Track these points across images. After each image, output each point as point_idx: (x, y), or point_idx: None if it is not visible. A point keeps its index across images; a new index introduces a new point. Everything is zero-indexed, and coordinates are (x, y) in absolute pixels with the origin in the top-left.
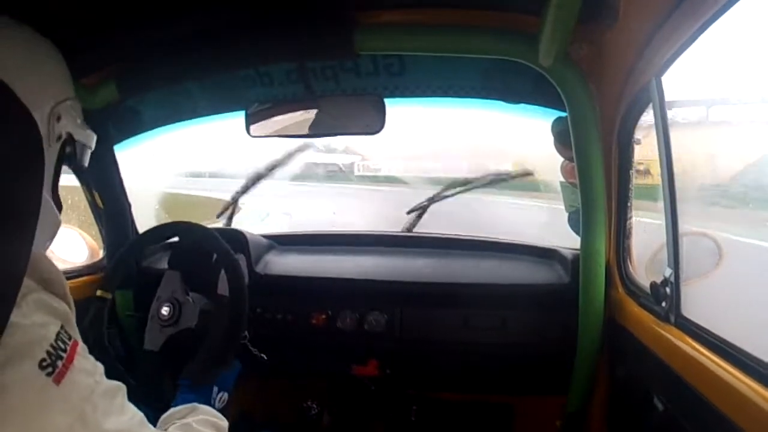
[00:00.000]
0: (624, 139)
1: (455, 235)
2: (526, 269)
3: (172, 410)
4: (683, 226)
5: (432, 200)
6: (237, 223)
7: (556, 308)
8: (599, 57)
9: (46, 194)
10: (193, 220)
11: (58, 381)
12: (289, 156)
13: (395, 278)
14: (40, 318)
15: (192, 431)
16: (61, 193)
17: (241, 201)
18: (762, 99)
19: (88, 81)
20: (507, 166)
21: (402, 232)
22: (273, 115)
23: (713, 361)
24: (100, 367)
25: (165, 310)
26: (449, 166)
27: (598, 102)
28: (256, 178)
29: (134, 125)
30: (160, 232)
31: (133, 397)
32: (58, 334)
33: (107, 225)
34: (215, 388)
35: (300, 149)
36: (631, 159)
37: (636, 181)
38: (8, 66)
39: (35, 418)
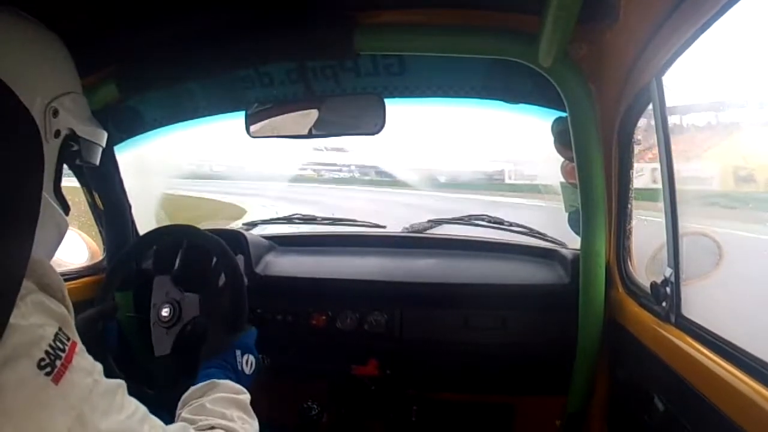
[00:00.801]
0: (624, 139)
1: (455, 235)
2: (526, 269)
3: (191, 389)
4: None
5: (450, 221)
6: None
7: (557, 308)
8: (599, 57)
9: (47, 194)
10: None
11: (56, 381)
12: None
13: (395, 278)
14: (38, 319)
15: (204, 412)
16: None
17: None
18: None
19: (88, 81)
20: None
21: (402, 232)
22: (273, 116)
23: (713, 360)
24: (98, 366)
25: (165, 312)
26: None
27: (598, 102)
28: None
29: (134, 125)
30: (159, 234)
31: (156, 406)
32: (56, 334)
33: (107, 226)
34: (237, 352)
35: None
36: (631, 159)
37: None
38: (2, 59)
39: (34, 418)
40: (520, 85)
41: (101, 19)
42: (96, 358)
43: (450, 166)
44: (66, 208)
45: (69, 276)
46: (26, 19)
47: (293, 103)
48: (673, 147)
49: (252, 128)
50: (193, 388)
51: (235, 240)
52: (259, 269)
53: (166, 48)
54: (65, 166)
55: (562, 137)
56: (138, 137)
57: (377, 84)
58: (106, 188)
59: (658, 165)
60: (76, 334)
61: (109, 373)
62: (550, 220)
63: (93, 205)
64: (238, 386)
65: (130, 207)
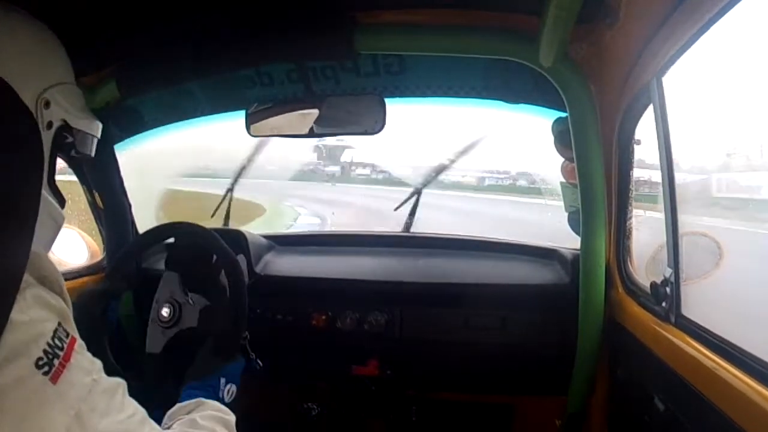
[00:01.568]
0: (624, 140)
1: (455, 235)
2: (526, 269)
3: (178, 405)
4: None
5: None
6: None
7: (556, 308)
8: (599, 57)
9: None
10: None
11: (55, 380)
12: None
13: (395, 278)
14: (37, 314)
15: (197, 426)
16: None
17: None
18: None
19: (89, 80)
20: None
21: (402, 232)
22: (273, 115)
23: (713, 360)
24: (98, 364)
25: (165, 312)
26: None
27: (599, 102)
28: None
29: (135, 125)
30: (159, 232)
31: (138, 400)
32: (55, 331)
33: (107, 225)
34: (222, 380)
35: None
36: (632, 159)
37: None
38: None
39: (32, 418)
40: (521, 85)
41: (102, 18)
42: (95, 337)
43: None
44: (61, 201)
45: (69, 275)
46: (14, 11)
47: (293, 102)
48: None
49: (252, 128)
50: (179, 404)
51: (235, 240)
52: (259, 269)
53: (166, 48)
54: (65, 165)
55: (562, 137)
56: (138, 136)
57: (377, 84)
58: (106, 187)
59: None
60: (75, 329)
61: (102, 355)
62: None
63: (93, 205)
64: (225, 408)
65: (130, 206)
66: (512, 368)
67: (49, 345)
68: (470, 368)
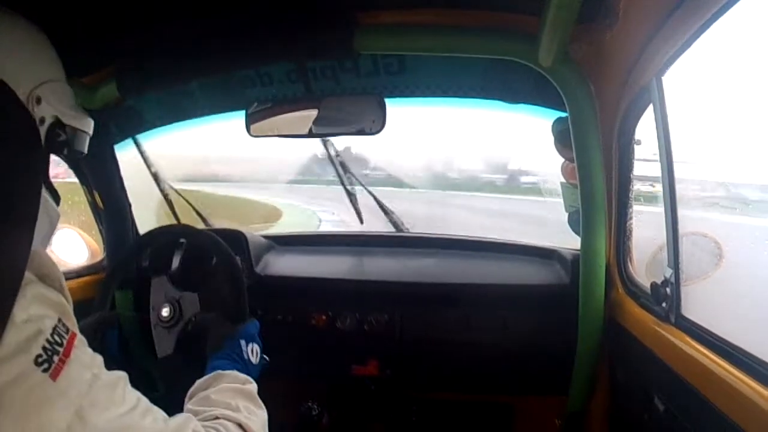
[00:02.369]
0: (624, 140)
1: (455, 235)
2: (526, 270)
3: (197, 382)
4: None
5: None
6: None
7: (557, 308)
8: (599, 57)
9: None
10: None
11: (54, 376)
12: None
13: (395, 279)
14: (37, 310)
15: (209, 403)
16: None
17: None
18: None
19: (89, 80)
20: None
21: (402, 232)
22: (273, 115)
23: (713, 361)
24: (98, 359)
25: (165, 311)
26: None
27: (599, 102)
28: None
29: (135, 125)
30: (160, 234)
31: (163, 408)
32: (55, 327)
33: (107, 225)
34: (242, 342)
35: None
36: (632, 159)
37: None
38: None
39: (32, 416)
40: (520, 86)
41: (102, 19)
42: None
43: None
44: (56, 198)
45: (69, 275)
46: (3, 12)
47: (294, 102)
48: None
49: (252, 128)
50: (199, 381)
51: (235, 240)
52: (258, 269)
53: (166, 48)
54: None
55: (562, 137)
56: (139, 136)
57: (377, 84)
58: (106, 187)
59: None
60: (76, 325)
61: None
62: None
63: (93, 205)
64: (243, 376)
65: (130, 206)
66: (512, 368)
67: (48, 342)
68: (470, 368)
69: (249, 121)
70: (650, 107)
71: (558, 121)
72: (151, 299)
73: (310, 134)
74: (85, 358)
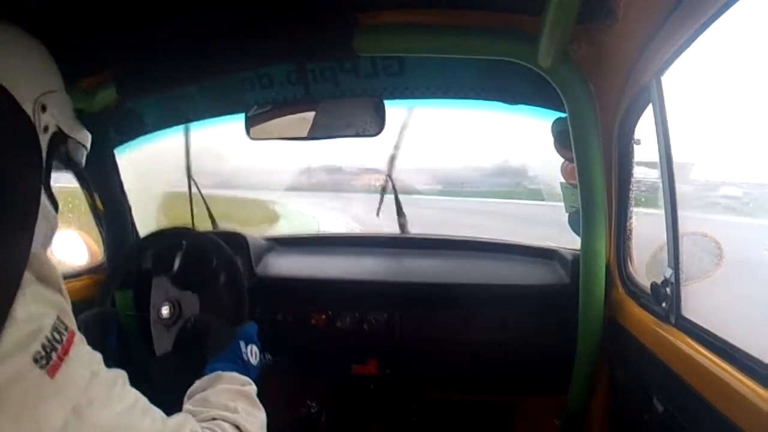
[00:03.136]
0: (624, 140)
1: (455, 236)
2: (526, 270)
3: (196, 383)
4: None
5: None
6: None
7: (557, 309)
8: (599, 57)
9: None
10: None
11: (52, 374)
12: None
13: (395, 279)
14: (36, 310)
15: (207, 404)
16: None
17: None
18: None
19: (88, 83)
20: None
21: (402, 233)
22: (273, 118)
23: (713, 361)
24: (97, 356)
25: (165, 310)
26: None
27: (598, 102)
28: None
29: (134, 128)
30: (160, 236)
31: (160, 406)
32: (54, 325)
33: (107, 227)
34: (242, 343)
35: None
36: (632, 159)
37: None
38: None
39: (30, 413)
40: (520, 86)
41: (101, 22)
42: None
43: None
44: (55, 206)
45: (69, 276)
46: (8, 26)
47: (293, 105)
48: None
49: (252, 131)
50: (198, 381)
51: (235, 241)
52: (259, 269)
53: (165, 51)
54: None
55: (562, 138)
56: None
57: (377, 85)
58: (106, 190)
59: None
60: (74, 323)
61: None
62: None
63: (93, 207)
64: (243, 377)
65: (130, 208)
66: (512, 368)
67: (47, 339)
68: (470, 368)
69: (248, 124)
70: (650, 107)
71: (558, 122)
72: (152, 298)
73: (310, 137)
74: (84, 357)
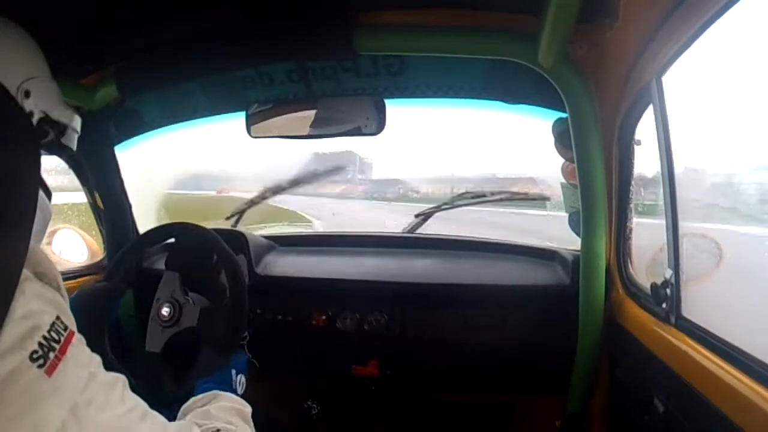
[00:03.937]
0: (624, 140)
1: (455, 236)
2: (526, 270)
3: (193, 399)
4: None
5: (439, 208)
6: None
7: (557, 309)
8: (599, 57)
9: None
10: None
11: (50, 373)
12: None
13: (396, 279)
14: (34, 307)
15: (210, 417)
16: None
17: None
18: None
19: (89, 81)
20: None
21: (402, 233)
22: (273, 116)
23: (713, 362)
24: (97, 359)
25: (165, 311)
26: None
27: (599, 102)
28: None
29: (135, 125)
30: (161, 232)
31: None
32: (52, 324)
33: (108, 226)
34: (233, 372)
35: None
36: (632, 160)
37: None
38: None
39: (27, 412)
40: (520, 86)
41: (101, 20)
42: (93, 336)
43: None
44: (48, 194)
45: (69, 275)
46: None
47: (294, 103)
48: None
49: (253, 128)
50: (194, 398)
51: (236, 240)
52: (259, 269)
53: (166, 48)
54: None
55: (562, 138)
56: (138, 137)
57: (377, 84)
58: (106, 188)
59: None
60: (74, 323)
61: (101, 354)
62: None
63: (93, 205)
64: (240, 399)
65: (130, 207)
66: (512, 369)
67: (45, 338)
68: (470, 368)
69: (249, 122)
70: (650, 108)
71: (558, 122)
72: (158, 291)
73: (311, 135)
74: (83, 357)
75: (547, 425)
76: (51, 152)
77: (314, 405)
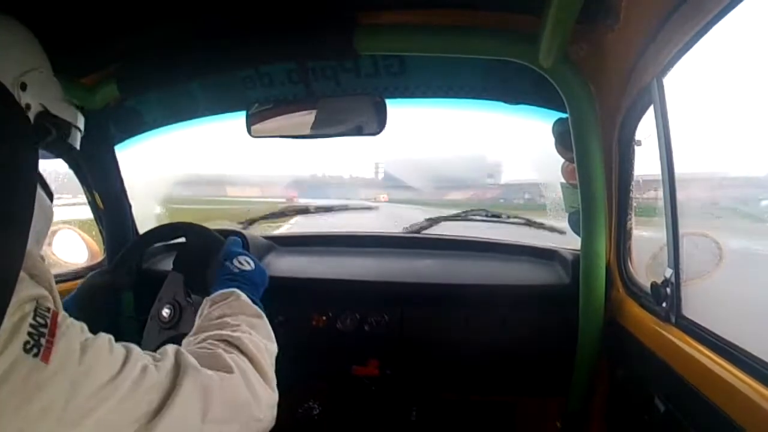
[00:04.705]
0: (625, 140)
1: (455, 236)
2: (526, 270)
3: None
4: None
5: (452, 218)
6: None
7: (557, 309)
8: (600, 58)
9: None
10: None
11: (46, 359)
12: None
13: (396, 279)
14: (19, 300)
15: (199, 330)
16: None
17: None
18: None
19: (89, 80)
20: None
21: (402, 233)
22: (274, 116)
23: (714, 361)
24: (82, 325)
25: (166, 312)
26: None
27: (599, 103)
28: None
29: (135, 125)
30: (162, 231)
31: None
32: (35, 309)
33: (107, 226)
34: (227, 263)
35: None
36: (632, 160)
37: None
38: None
39: (33, 400)
40: (521, 86)
41: (101, 19)
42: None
43: None
44: (50, 194)
45: (69, 276)
46: None
47: (294, 103)
48: None
49: (253, 128)
50: (213, 296)
51: None
52: None
53: (166, 48)
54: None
55: (562, 138)
56: (138, 137)
57: (377, 84)
58: (106, 188)
59: None
60: (57, 304)
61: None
62: None
63: (93, 205)
64: (227, 291)
65: (130, 206)
66: (512, 368)
67: (32, 326)
68: (471, 368)
69: (249, 122)
70: (651, 108)
71: (558, 122)
72: (161, 291)
73: (311, 135)
74: (72, 331)
75: (547, 425)
76: (54, 152)
77: (315, 405)
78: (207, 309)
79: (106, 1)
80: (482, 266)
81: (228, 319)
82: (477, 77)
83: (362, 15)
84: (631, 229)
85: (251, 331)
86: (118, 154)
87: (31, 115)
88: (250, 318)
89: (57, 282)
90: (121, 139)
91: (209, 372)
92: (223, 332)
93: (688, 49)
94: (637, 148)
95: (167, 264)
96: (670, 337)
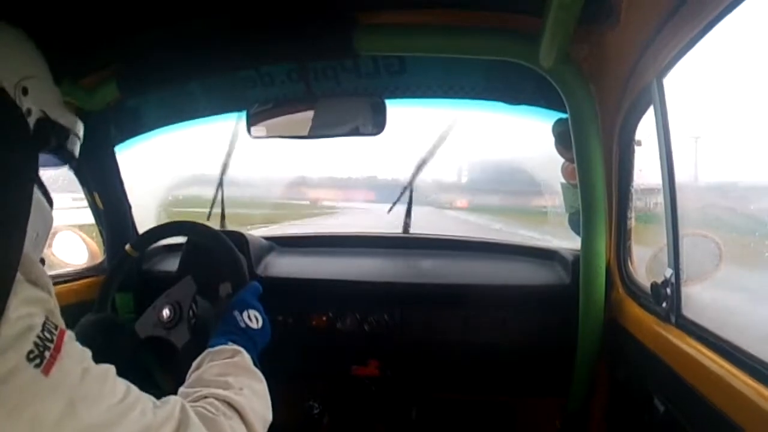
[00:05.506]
0: (625, 141)
1: (455, 236)
2: (526, 270)
3: (192, 365)
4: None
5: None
6: None
7: (557, 309)
8: (600, 58)
9: None
10: None
11: (47, 371)
12: None
13: (396, 279)
14: (26, 310)
15: (200, 383)
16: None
17: None
18: None
19: (89, 81)
20: None
21: (402, 233)
22: (274, 116)
23: (714, 361)
24: (87, 352)
25: (165, 312)
26: None
27: (599, 103)
28: None
29: (135, 125)
30: (164, 229)
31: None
32: (44, 324)
33: (107, 226)
34: (236, 313)
35: None
36: (632, 160)
37: None
38: None
39: (25, 409)
40: (521, 86)
41: (102, 19)
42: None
43: None
44: (49, 201)
45: (69, 277)
46: None
47: (294, 103)
48: None
49: (253, 128)
50: (194, 362)
51: (236, 241)
52: (259, 270)
53: (166, 48)
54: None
55: (562, 138)
56: (138, 137)
57: (378, 84)
58: (106, 188)
59: None
60: (62, 321)
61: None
62: None
63: (93, 205)
64: (231, 348)
65: (130, 207)
66: (512, 369)
67: (39, 338)
68: (470, 368)
69: (250, 122)
70: (651, 108)
71: (558, 122)
72: (174, 288)
73: (311, 135)
74: (76, 353)
75: (547, 425)
76: (53, 159)
77: (315, 405)
78: (208, 362)
79: (105, 1)
80: (482, 267)
81: (230, 380)
82: (477, 77)
83: (362, 15)
84: (631, 229)
85: (253, 398)
86: (118, 154)
87: (32, 120)
88: (252, 382)
89: (56, 283)
90: (121, 140)
91: None
92: (227, 393)
93: (688, 50)
94: (637, 149)
95: (167, 264)
96: (670, 337)
